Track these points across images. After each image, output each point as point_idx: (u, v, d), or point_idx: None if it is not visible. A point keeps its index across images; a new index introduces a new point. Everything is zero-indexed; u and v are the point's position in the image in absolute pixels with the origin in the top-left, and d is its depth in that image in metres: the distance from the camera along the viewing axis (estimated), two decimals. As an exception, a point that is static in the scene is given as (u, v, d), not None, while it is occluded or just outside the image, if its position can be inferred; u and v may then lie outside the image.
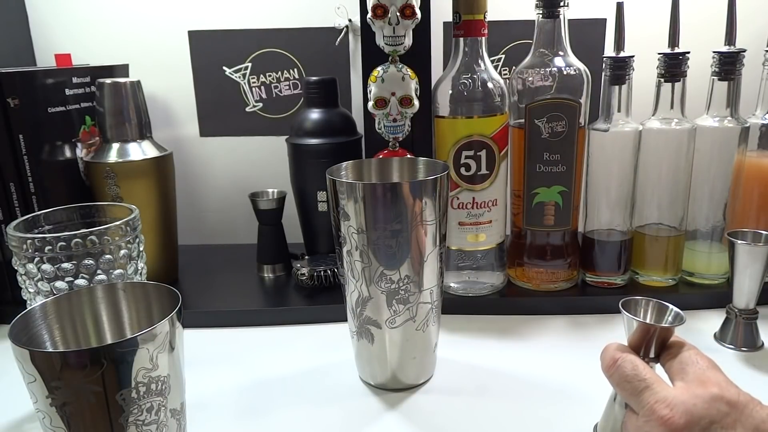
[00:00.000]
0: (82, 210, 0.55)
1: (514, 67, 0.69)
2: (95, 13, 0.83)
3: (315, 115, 0.73)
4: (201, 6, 0.82)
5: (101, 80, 0.68)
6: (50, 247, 0.47)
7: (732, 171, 0.65)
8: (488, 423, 0.48)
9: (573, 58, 0.63)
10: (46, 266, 0.47)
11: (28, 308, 0.40)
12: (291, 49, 0.83)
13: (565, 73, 0.62)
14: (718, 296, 0.65)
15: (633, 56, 0.62)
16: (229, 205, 0.89)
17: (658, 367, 0.41)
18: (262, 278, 0.76)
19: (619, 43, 0.62)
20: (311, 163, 0.73)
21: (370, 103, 0.62)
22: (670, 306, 0.41)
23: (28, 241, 0.47)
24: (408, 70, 0.62)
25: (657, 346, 0.40)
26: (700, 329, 0.61)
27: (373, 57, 0.63)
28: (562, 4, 0.61)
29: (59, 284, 0.47)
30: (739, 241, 0.54)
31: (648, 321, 0.41)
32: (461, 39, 0.62)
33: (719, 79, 0.63)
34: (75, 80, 0.71)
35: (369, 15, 0.60)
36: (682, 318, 0.40)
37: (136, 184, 0.68)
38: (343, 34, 0.81)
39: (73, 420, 0.35)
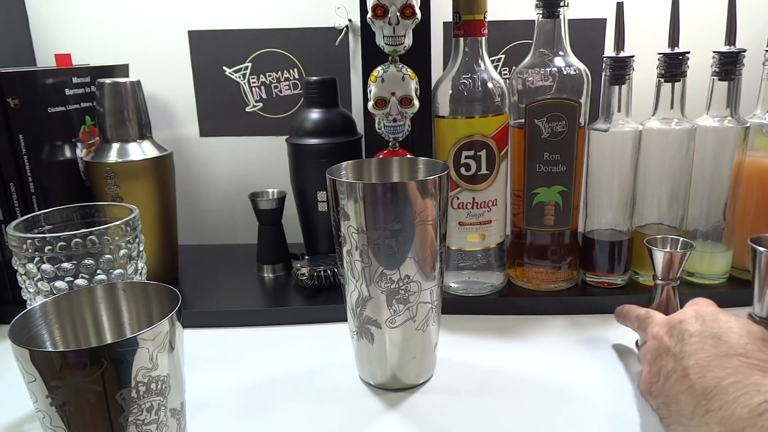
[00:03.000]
0: (82, 210, 0.55)
1: (514, 67, 0.69)
2: (95, 13, 0.83)
3: (315, 115, 0.73)
4: (201, 6, 0.82)
5: (101, 80, 0.68)
6: (50, 247, 0.47)
7: (732, 171, 0.65)
8: (488, 423, 0.48)
9: (573, 58, 0.63)
10: (46, 266, 0.47)
11: (28, 308, 0.40)
12: (291, 49, 0.83)
13: (565, 73, 0.62)
14: (718, 296, 0.65)
15: (633, 56, 0.62)
16: (229, 205, 0.89)
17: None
18: (262, 278, 0.76)
19: (619, 43, 0.62)
20: (311, 163, 0.73)
21: (370, 103, 0.62)
22: (680, 238, 0.55)
23: (28, 241, 0.47)
24: (408, 70, 0.62)
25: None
26: (700, 329, 0.61)
27: (373, 57, 0.63)
28: (562, 4, 0.61)
29: (59, 284, 0.47)
30: (761, 248, 0.53)
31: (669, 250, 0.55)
32: (461, 39, 0.62)
33: (719, 79, 0.63)
34: (75, 80, 0.71)
35: (369, 15, 0.60)
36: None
37: (136, 184, 0.68)
38: (343, 34, 0.81)
39: (73, 420, 0.35)
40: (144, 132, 0.71)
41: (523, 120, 0.63)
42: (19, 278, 0.49)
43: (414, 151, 0.66)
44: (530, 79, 0.63)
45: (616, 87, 0.63)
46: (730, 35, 0.62)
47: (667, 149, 0.64)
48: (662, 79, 0.63)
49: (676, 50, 0.62)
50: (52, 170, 0.67)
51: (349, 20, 0.80)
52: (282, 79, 0.84)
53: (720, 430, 0.36)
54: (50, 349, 0.40)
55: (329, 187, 0.49)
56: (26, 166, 0.65)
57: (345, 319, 0.53)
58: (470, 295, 0.67)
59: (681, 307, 0.55)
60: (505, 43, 0.81)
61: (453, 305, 0.65)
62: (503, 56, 0.81)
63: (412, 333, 0.50)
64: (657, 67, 0.63)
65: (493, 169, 0.64)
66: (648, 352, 0.47)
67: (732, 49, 0.62)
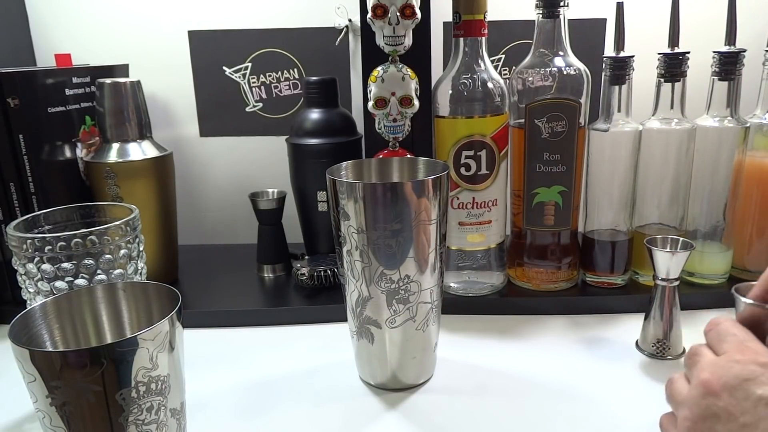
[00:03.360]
0: (82, 210, 0.55)
1: (514, 67, 0.69)
2: (95, 13, 0.83)
3: (315, 115, 0.73)
4: (201, 6, 0.82)
5: (101, 80, 0.68)
6: (50, 247, 0.47)
7: (732, 171, 0.65)
8: (488, 423, 0.48)
9: (573, 58, 0.63)
10: (46, 266, 0.47)
11: (28, 308, 0.40)
12: (291, 49, 0.83)
13: (565, 73, 0.62)
14: (718, 296, 0.65)
15: (633, 56, 0.62)
16: (229, 205, 0.89)
17: None
18: (262, 278, 0.76)
19: (619, 43, 0.62)
20: (311, 163, 0.73)
21: (370, 103, 0.62)
22: (680, 238, 0.55)
23: (28, 241, 0.47)
24: (408, 70, 0.62)
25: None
26: (700, 330, 0.61)
27: (373, 57, 0.63)
28: (562, 4, 0.61)
29: (59, 284, 0.47)
30: (743, 299, 0.45)
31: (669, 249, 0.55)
32: (461, 39, 0.62)
33: (719, 79, 0.63)
34: (75, 80, 0.71)
35: (369, 15, 0.60)
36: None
37: (136, 184, 0.68)
38: (343, 34, 0.81)
39: (73, 420, 0.35)
40: (144, 132, 0.71)
41: (523, 120, 0.63)
42: (19, 278, 0.49)
43: (414, 151, 0.66)
44: (530, 79, 0.63)
45: (616, 87, 0.63)
46: (730, 35, 0.62)
47: (667, 149, 0.64)
48: (662, 79, 0.63)
49: (676, 50, 0.62)
50: (52, 170, 0.67)
51: (349, 20, 0.80)
52: (282, 79, 0.84)
53: None
54: (50, 349, 0.40)
55: (329, 187, 0.49)
56: (26, 166, 0.65)
57: (345, 319, 0.53)
58: (470, 295, 0.67)
59: (681, 307, 0.55)
60: (505, 43, 0.81)
61: (453, 305, 0.65)
62: (503, 56, 0.81)
63: (412, 333, 0.50)
64: (657, 67, 0.63)
65: (493, 169, 0.64)
66: (693, 403, 0.38)
67: (732, 49, 0.62)
